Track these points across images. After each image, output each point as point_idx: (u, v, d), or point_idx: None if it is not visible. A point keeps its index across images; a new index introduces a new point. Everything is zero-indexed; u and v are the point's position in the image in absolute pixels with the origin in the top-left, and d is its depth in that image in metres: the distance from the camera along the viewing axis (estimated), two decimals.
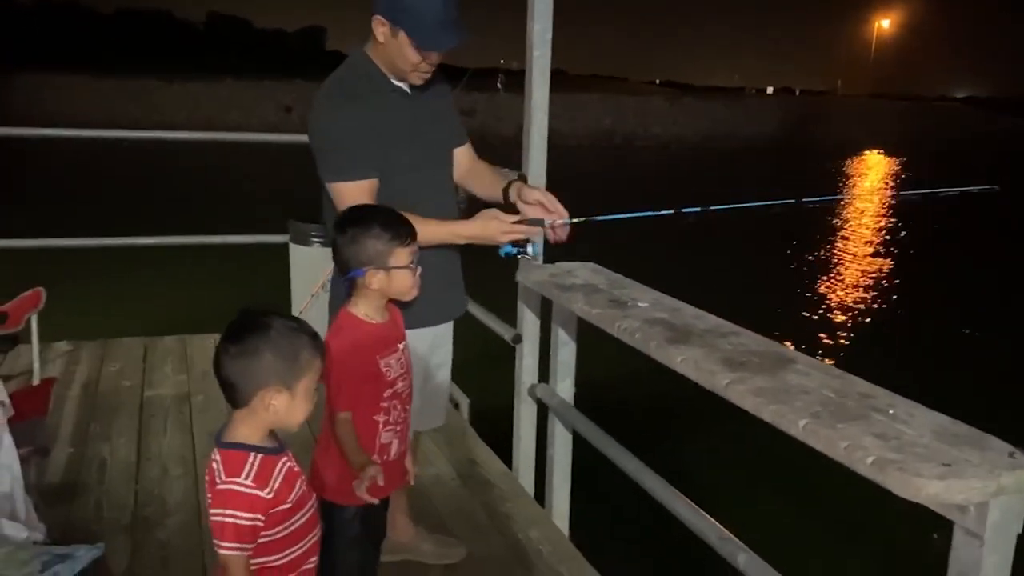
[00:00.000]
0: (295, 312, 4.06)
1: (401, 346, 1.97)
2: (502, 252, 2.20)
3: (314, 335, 1.51)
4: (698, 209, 2.24)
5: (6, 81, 35.33)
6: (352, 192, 2.10)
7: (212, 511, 1.45)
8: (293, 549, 1.53)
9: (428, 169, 2.29)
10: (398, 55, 2.13)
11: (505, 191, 2.30)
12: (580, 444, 2.98)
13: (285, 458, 1.52)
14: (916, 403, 1.64)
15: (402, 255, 1.85)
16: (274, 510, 1.47)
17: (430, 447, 3.40)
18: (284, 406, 1.46)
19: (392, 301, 1.95)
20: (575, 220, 2.22)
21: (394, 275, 1.85)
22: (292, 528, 1.52)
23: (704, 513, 2.19)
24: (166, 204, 13.41)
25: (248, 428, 1.48)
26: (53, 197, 14.13)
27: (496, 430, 3.61)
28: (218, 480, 1.45)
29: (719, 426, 4.88)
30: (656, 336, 2.04)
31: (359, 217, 1.88)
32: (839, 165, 32.08)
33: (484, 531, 2.85)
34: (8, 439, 2.17)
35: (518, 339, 3.19)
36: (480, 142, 2.51)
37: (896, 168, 33.09)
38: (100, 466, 3.18)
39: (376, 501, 1.80)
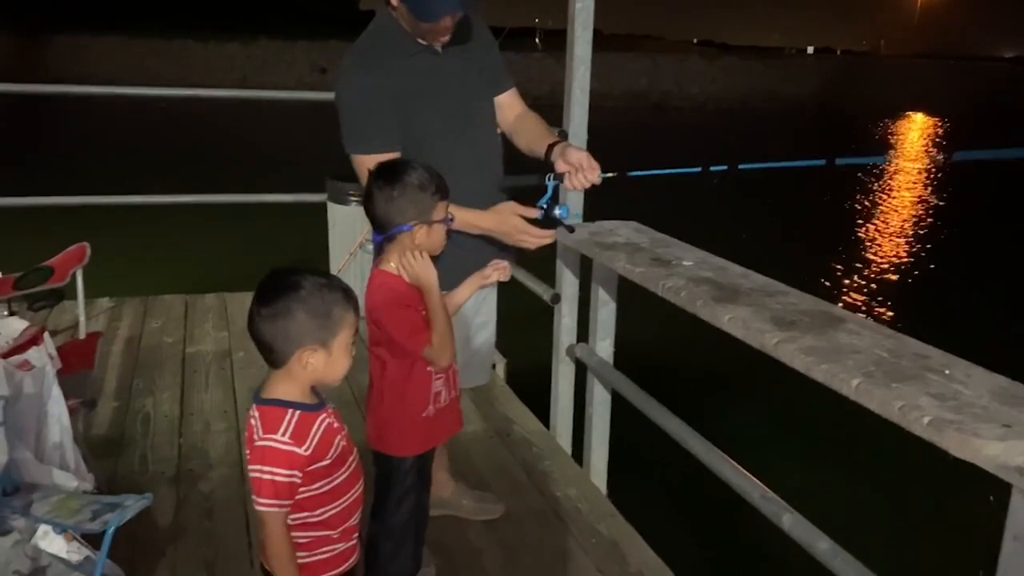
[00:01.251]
0: (333, 271, 4.08)
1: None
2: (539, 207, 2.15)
3: (346, 289, 1.49)
4: (725, 168, 2.22)
5: (43, 43, 35.66)
6: (369, 164, 2.06)
7: (250, 467, 1.45)
8: (333, 505, 1.53)
9: (460, 127, 2.24)
10: (407, 21, 2.10)
11: (548, 151, 2.23)
12: (616, 404, 2.97)
13: (325, 414, 1.51)
14: (973, 364, 1.60)
15: (442, 209, 1.84)
16: (312, 467, 1.47)
17: (468, 405, 3.41)
18: (321, 364, 1.45)
19: None
20: (607, 175, 2.17)
21: (434, 229, 1.83)
22: (332, 484, 1.52)
23: (747, 472, 2.17)
24: (206, 163, 13.49)
25: (287, 386, 1.47)
26: (93, 155, 14.27)
27: (530, 389, 3.61)
28: (256, 436, 1.46)
29: (758, 389, 4.85)
30: (702, 295, 2.01)
31: (401, 171, 1.83)
32: (881, 128, 31.28)
33: (522, 488, 2.86)
34: (57, 390, 2.21)
35: (557, 299, 3.18)
36: None
37: (942, 132, 32.20)
38: (144, 420, 3.24)
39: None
